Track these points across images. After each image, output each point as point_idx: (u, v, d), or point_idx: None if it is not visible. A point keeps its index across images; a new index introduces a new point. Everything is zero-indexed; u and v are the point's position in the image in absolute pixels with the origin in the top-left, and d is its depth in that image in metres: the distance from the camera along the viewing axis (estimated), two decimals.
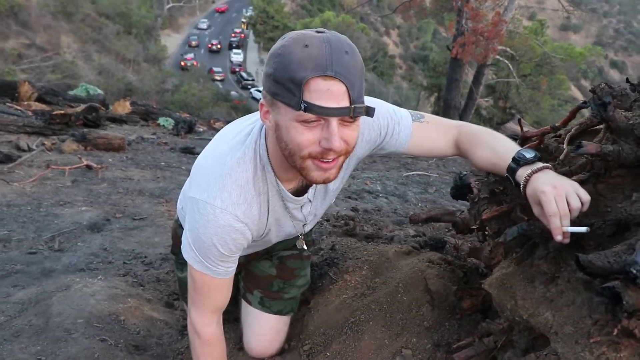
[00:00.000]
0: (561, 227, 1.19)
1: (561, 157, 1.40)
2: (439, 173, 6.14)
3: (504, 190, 1.52)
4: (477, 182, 1.84)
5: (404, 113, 1.57)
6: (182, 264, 2.03)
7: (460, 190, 2.13)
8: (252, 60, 56.59)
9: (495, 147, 1.44)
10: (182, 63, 48.47)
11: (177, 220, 1.97)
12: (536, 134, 1.50)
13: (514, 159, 1.33)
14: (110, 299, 2.38)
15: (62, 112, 6.59)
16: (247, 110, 26.53)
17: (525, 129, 1.58)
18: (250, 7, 53.63)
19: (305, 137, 1.22)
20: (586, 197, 1.21)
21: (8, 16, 31.58)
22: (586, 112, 1.52)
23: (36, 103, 7.59)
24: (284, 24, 45.39)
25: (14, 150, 5.06)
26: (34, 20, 33.37)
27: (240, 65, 53.89)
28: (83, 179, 4.53)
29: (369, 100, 1.36)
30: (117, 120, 8.04)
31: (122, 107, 8.95)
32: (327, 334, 1.90)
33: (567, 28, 66.81)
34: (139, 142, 6.72)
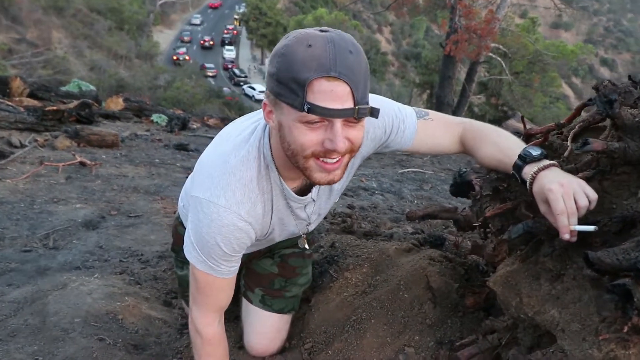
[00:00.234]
0: (569, 225, 1.18)
1: (565, 154, 1.40)
2: (434, 170, 6.15)
3: (508, 188, 1.51)
4: (478, 179, 1.84)
5: (408, 111, 1.56)
6: (181, 261, 2.02)
7: (460, 187, 2.13)
8: (244, 57, 56.51)
9: (500, 144, 1.43)
10: (175, 57, 48.42)
11: (178, 217, 1.95)
12: (540, 131, 1.50)
13: (520, 156, 1.32)
14: (108, 297, 2.36)
15: (54, 108, 6.52)
16: (240, 107, 26.47)
17: (528, 127, 1.57)
18: (243, 4, 53.53)
19: (309, 138, 1.21)
20: (593, 195, 1.21)
21: None
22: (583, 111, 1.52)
23: (28, 99, 7.50)
24: (276, 20, 45.33)
25: (5, 146, 5.01)
26: (25, 15, 33.04)
27: (232, 61, 53.86)
28: (77, 176, 4.49)
29: (373, 99, 1.34)
30: (110, 116, 7.98)
31: (115, 104, 8.89)
32: (328, 332, 1.89)
33: (558, 26, 67.14)
34: (133, 138, 6.68)
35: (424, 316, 1.80)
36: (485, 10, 17.77)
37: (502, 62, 18.98)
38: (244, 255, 1.51)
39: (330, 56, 1.14)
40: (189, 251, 1.46)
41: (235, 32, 60.42)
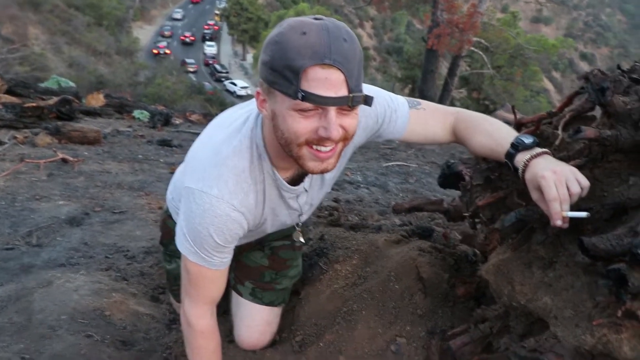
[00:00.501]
0: (561, 212, 1.19)
1: (557, 142, 1.40)
2: (418, 163, 6.17)
3: (500, 176, 1.52)
4: (468, 170, 1.85)
5: (400, 100, 1.55)
6: (170, 255, 2.00)
7: (449, 178, 2.13)
8: (225, 53, 56.17)
9: (492, 133, 1.44)
10: (155, 51, 47.97)
11: (167, 210, 1.93)
12: (532, 120, 1.51)
13: (512, 145, 1.33)
14: (94, 294, 2.33)
15: (33, 104, 6.41)
16: (222, 103, 26.29)
17: (518, 116, 1.57)
18: None
19: (303, 126, 1.20)
20: (586, 182, 1.22)
21: None
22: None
23: (6, 95, 7.36)
24: (258, 16, 45.13)
25: None
26: None
27: (214, 57, 53.48)
28: (59, 173, 4.42)
29: (366, 88, 1.34)
30: (91, 113, 7.86)
31: (96, 100, 8.76)
32: (319, 324, 1.89)
33: (539, 20, 67.79)
34: (115, 135, 6.59)
35: (414, 306, 1.80)
36: (467, 4, 17.88)
37: (483, 56, 19.12)
38: (234, 247, 1.49)
39: (324, 44, 1.13)
40: (180, 243, 1.44)
41: (216, 27, 59.98)
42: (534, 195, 1.26)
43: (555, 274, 1.31)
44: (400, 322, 1.76)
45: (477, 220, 1.72)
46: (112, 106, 8.75)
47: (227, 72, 48.80)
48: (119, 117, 8.33)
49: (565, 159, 1.32)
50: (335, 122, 1.18)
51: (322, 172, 1.29)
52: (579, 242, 1.10)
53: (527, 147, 1.31)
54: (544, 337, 1.27)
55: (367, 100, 1.20)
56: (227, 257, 1.47)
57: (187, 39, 56.09)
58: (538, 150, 1.30)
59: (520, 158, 1.30)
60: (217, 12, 59.45)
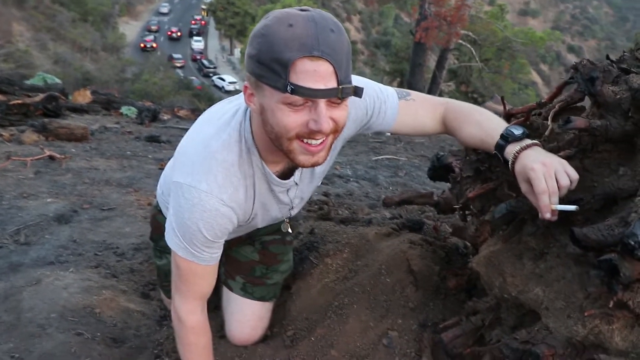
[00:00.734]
0: (550, 204, 1.19)
1: (546, 133, 1.40)
2: (408, 157, 6.18)
3: (490, 168, 1.52)
4: (458, 162, 1.84)
5: (390, 91, 1.55)
6: (160, 251, 1.98)
7: (438, 171, 2.12)
8: (213, 48, 55.88)
9: (482, 124, 1.43)
10: (142, 45, 47.69)
11: (157, 206, 1.91)
12: (522, 110, 1.50)
13: (502, 136, 1.32)
14: (84, 291, 2.31)
15: (19, 101, 6.34)
16: (210, 98, 26.16)
17: (508, 107, 1.57)
18: None
19: (292, 119, 1.19)
20: (575, 175, 1.22)
21: None
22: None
23: None
24: (244, 10, 44.83)
25: None
26: None
27: (201, 52, 53.25)
28: (46, 170, 4.37)
29: (355, 79, 1.33)
30: (78, 109, 7.79)
31: (83, 97, 8.69)
32: (310, 318, 1.88)
33: (526, 13, 67.97)
34: (103, 131, 6.54)
35: (406, 299, 1.80)
36: None
37: (471, 49, 19.16)
38: (224, 242, 1.48)
39: (312, 35, 1.11)
40: (170, 238, 1.43)
41: (203, 22, 59.65)
42: (523, 188, 1.26)
43: (546, 265, 1.31)
44: (392, 316, 1.76)
45: (467, 212, 1.72)
46: (99, 103, 8.70)
47: (214, 67, 48.61)
48: (106, 114, 8.28)
49: (555, 150, 1.32)
50: (326, 114, 1.17)
51: (313, 165, 1.28)
52: (570, 232, 1.10)
53: (517, 139, 1.30)
54: (535, 328, 1.27)
55: (357, 92, 1.18)
56: (216, 253, 1.46)
57: (174, 34, 55.76)
58: (528, 141, 1.29)
59: (510, 150, 1.29)
60: (203, 6, 59.07)
